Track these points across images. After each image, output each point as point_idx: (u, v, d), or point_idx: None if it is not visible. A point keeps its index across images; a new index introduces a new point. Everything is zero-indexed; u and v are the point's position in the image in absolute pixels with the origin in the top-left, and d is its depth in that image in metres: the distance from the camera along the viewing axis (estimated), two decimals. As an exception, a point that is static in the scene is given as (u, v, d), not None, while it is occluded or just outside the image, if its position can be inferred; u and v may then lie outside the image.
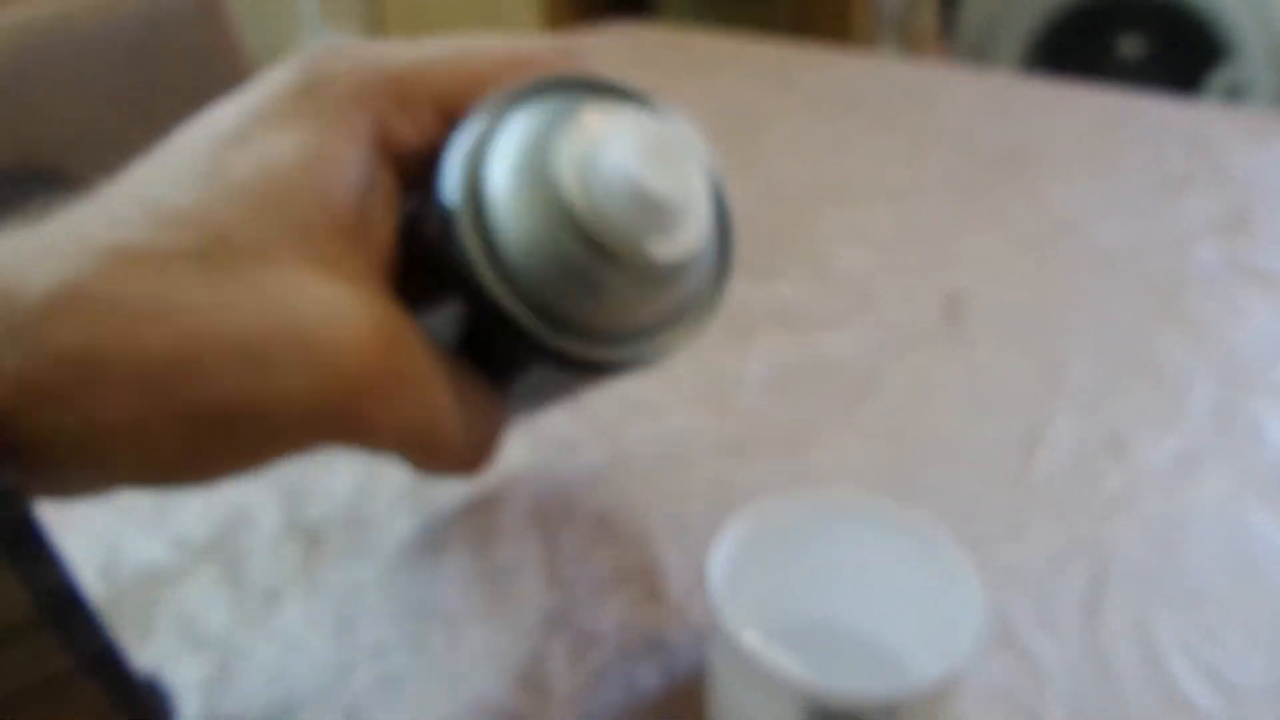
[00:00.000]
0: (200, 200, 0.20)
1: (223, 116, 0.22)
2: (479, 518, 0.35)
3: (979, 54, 1.47)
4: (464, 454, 0.24)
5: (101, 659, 0.20)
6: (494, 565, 0.33)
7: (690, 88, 0.71)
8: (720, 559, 0.27)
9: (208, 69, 0.72)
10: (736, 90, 0.71)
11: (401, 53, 0.24)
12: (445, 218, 0.22)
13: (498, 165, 0.22)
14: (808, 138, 0.63)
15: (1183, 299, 0.47)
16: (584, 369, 0.23)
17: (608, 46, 0.80)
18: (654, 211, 0.21)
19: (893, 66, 0.77)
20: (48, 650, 0.19)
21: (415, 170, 0.23)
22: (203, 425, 0.20)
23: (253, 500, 0.35)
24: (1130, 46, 1.39)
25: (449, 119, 0.23)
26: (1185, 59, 1.33)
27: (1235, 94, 1.28)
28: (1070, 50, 1.41)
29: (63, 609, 0.19)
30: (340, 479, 0.36)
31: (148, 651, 0.30)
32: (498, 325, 0.22)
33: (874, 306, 0.47)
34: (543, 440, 0.38)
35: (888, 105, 0.68)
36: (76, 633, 0.19)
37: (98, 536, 0.34)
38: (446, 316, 0.24)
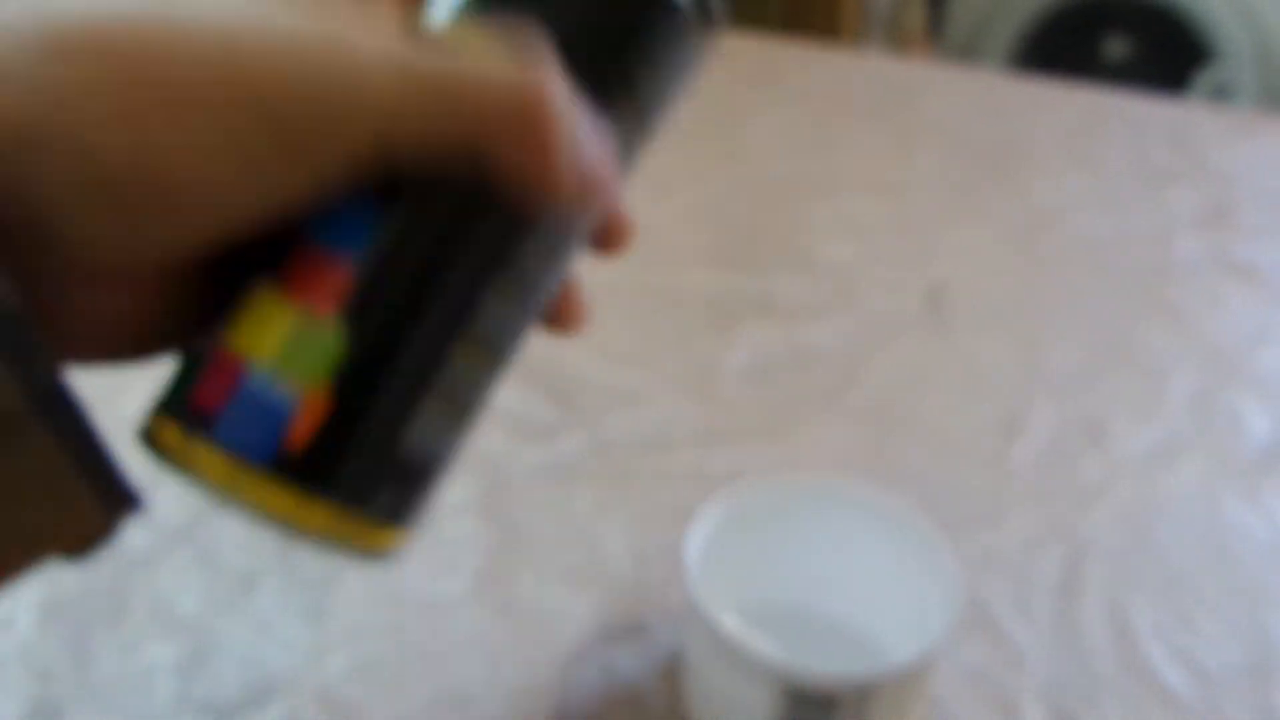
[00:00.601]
0: None
1: None
2: (457, 506, 0.35)
3: (967, 53, 1.48)
4: (577, 163, 0.21)
5: (55, 398, 0.19)
6: (471, 553, 0.33)
7: (677, 82, 0.71)
8: (697, 542, 0.27)
9: None
10: (724, 85, 0.71)
11: None
12: None
13: None
14: (795, 132, 0.64)
15: (1164, 290, 0.48)
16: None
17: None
18: None
19: (880, 63, 0.77)
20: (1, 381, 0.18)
21: None
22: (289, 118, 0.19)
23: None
24: (1116, 47, 1.40)
25: None
26: (1171, 60, 1.34)
27: (1221, 94, 1.29)
28: (1057, 51, 1.42)
29: (16, 346, 0.18)
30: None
31: (123, 634, 0.30)
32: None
33: (857, 297, 0.47)
34: (525, 427, 0.38)
35: (875, 101, 0.68)
36: (28, 368, 0.18)
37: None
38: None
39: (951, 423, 0.39)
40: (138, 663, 0.29)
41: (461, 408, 0.22)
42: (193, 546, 0.33)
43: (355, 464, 0.21)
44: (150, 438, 0.21)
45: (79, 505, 0.20)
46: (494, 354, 0.22)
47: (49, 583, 0.31)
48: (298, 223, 0.21)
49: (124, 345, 0.21)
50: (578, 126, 0.21)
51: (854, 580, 0.29)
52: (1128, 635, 0.30)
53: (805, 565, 0.29)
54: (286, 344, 0.21)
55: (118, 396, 0.38)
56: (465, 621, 0.30)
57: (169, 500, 0.35)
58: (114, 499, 0.21)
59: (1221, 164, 0.60)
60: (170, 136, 0.18)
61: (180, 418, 0.21)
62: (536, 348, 0.43)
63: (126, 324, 0.21)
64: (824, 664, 0.24)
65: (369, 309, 0.21)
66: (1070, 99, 0.69)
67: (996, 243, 0.51)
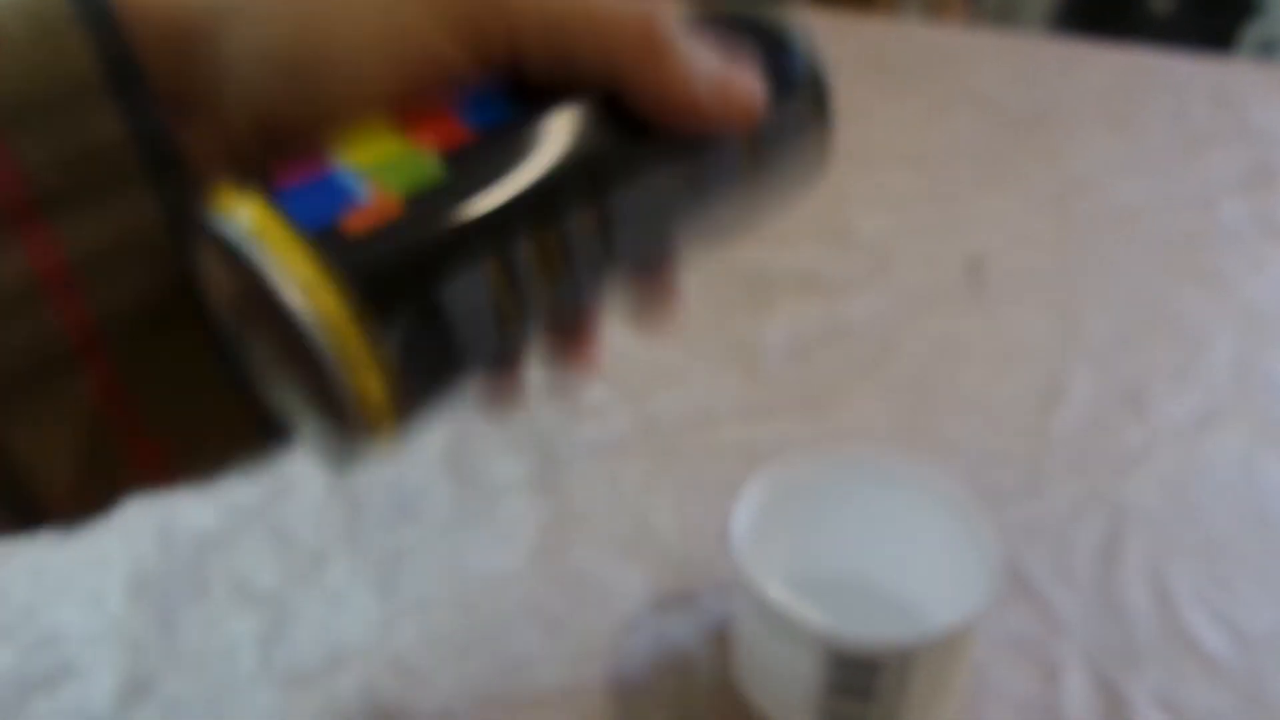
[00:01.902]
0: None
1: None
2: (514, 482, 0.36)
3: (1004, 15, 1.45)
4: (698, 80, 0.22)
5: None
6: (527, 527, 0.34)
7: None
8: (744, 514, 0.28)
9: None
10: (757, 57, 0.71)
11: None
12: None
13: None
14: (829, 103, 0.64)
15: (1203, 255, 0.48)
16: None
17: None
18: None
19: (916, 29, 0.77)
20: (166, 265, 0.20)
21: None
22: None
23: (296, 469, 0.37)
24: (1160, 3, 1.36)
25: None
26: (1216, 14, 1.30)
27: (1268, 49, 1.26)
28: (1098, 8, 1.39)
29: (186, 228, 0.20)
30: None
31: (204, 611, 0.32)
32: None
33: (894, 270, 0.47)
34: (574, 407, 0.39)
35: (910, 68, 0.68)
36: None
37: (152, 507, 0.35)
38: None
39: (991, 393, 0.40)
40: (221, 636, 0.31)
41: (511, 300, 0.21)
42: (265, 527, 0.35)
43: (391, 269, 0.20)
44: (213, 200, 0.21)
45: (225, 410, 0.22)
46: (564, 265, 0.22)
47: (134, 562, 0.33)
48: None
49: None
50: (697, 50, 0.22)
51: (897, 551, 0.30)
52: (1168, 601, 0.31)
53: (848, 537, 0.30)
54: (383, 159, 0.21)
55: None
56: (523, 593, 0.32)
57: (241, 485, 0.36)
58: (265, 423, 0.22)
59: (1265, 123, 0.59)
60: (334, 10, 0.21)
61: (252, 183, 0.21)
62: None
63: None
64: (867, 631, 0.25)
65: (471, 163, 0.21)
66: (1109, 59, 0.68)
67: (1034, 211, 0.52)
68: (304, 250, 0.19)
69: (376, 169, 0.21)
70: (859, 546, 0.31)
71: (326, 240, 0.20)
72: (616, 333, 0.43)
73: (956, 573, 0.28)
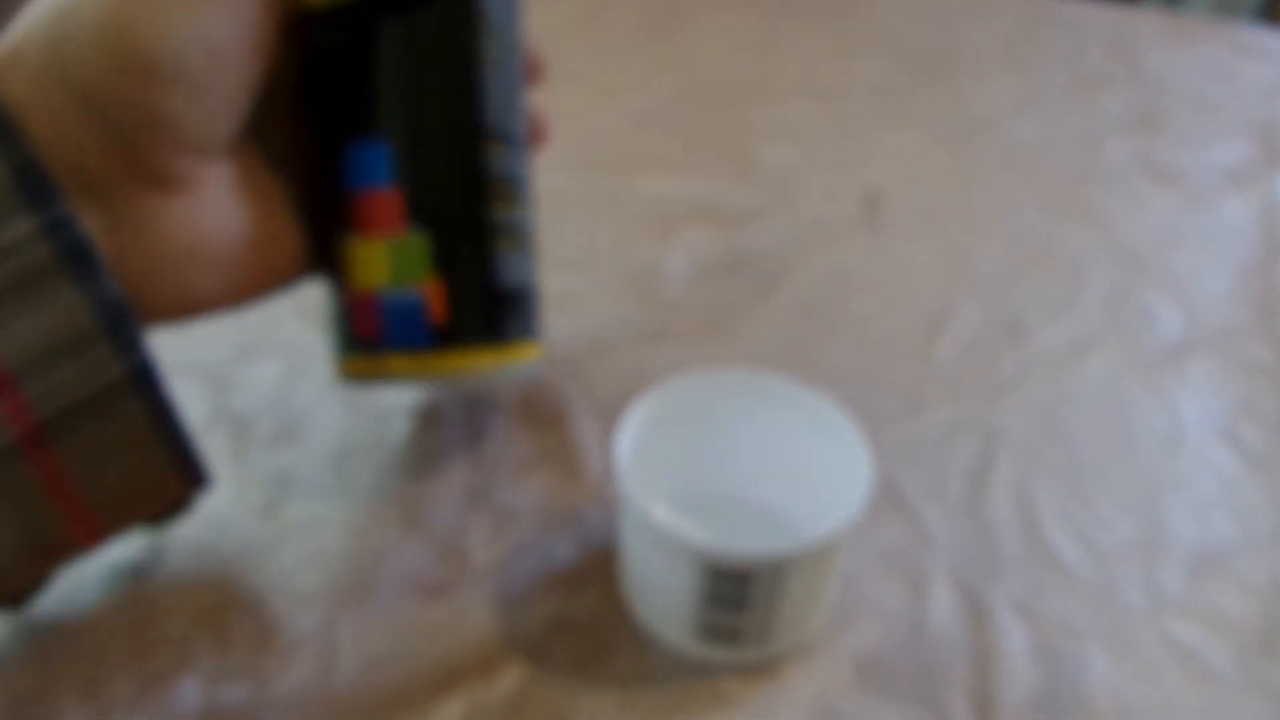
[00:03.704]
0: None
1: None
2: (404, 408, 0.36)
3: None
4: None
5: (146, 373, 0.23)
6: (418, 449, 0.34)
7: (623, -17, 0.70)
8: (628, 434, 0.28)
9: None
10: (670, -14, 0.70)
11: None
12: None
13: None
14: (737, 35, 0.63)
15: (1086, 193, 0.49)
16: None
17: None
18: None
19: (829, -36, 0.77)
20: (103, 360, 0.22)
21: None
22: None
23: (179, 389, 0.36)
24: (1073, -53, 1.38)
25: None
26: (1125, -39, 1.33)
27: (1175, 1, 1.29)
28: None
29: (117, 321, 0.22)
30: (267, 370, 0.37)
31: (79, 533, 0.31)
32: None
33: (793, 201, 0.48)
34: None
35: (817, 4, 0.68)
36: (127, 345, 0.22)
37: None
38: None
39: (879, 322, 0.41)
40: (97, 558, 0.30)
41: (522, 237, 0.30)
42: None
43: (481, 312, 0.29)
44: (345, 374, 0.29)
45: (162, 476, 0.24)
46: (516, 155, 0.29)
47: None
48: (339, 184, 0.28)
49: (208, 280, 0.25)
50: None
51: (777, 469, 0.31)
52: (1031, 517, 0.33)
53: (731, 455, 0.31)
54: (391, 265, 0.28)
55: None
56: (410, 515, 0.32)
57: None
58: (191, 473, 0.25)
59: (1157, 69, 0.61)
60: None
61: (355, 349, 0.29)
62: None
63: (205, 246, 0.24)
64: (741, 543, 0.26)
65: (420, 210, 0.28)
66: (1011, 4, 0.69)
67: (931, 148, 0.53)
68: (445, 358, 0.28)
69: (397, 275, 0.28)
70: (741, 465, 0.31)
71: (443, 341, 0.28)
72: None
73: (833, 489, 0.29)
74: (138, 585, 0.29)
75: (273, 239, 0.26)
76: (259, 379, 0.37)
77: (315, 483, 0.33)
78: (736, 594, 0.26)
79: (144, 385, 0.22)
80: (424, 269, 0.28)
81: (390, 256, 0.27)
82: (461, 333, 0.28)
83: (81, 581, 0.29)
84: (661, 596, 0.28)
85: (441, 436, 0.35)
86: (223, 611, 0.29)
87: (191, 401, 0.36)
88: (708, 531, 0.30)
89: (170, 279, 0.24)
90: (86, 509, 0.23)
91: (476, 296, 0.28)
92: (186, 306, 0.24)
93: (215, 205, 0.24)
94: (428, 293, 0.28)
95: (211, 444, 0.34)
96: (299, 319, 0.40)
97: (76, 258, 0.21)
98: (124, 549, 0.30)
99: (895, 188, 0.49)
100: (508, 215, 0.29)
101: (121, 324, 0.22)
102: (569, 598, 0.30)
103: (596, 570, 0.30)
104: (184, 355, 0.38)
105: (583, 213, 0.46)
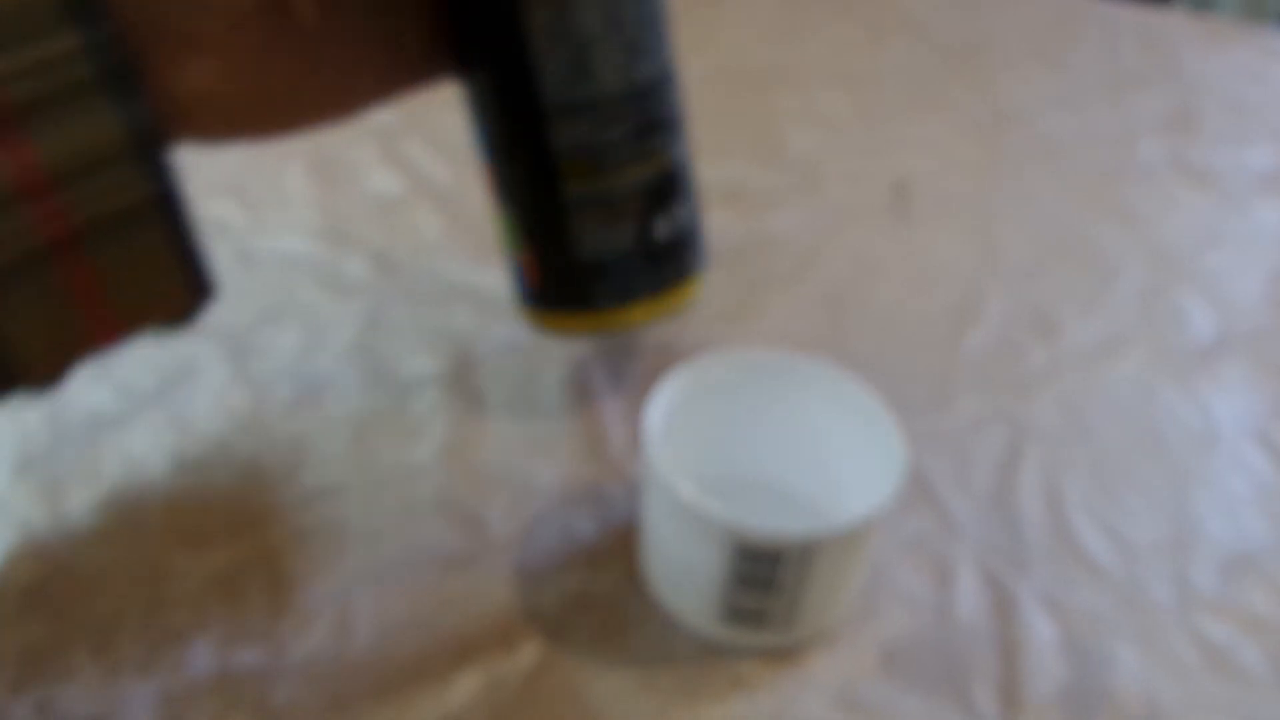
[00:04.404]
0: None
1: None
2: (425, 378, 0.35)
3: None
4: None
5: (171, 198, 0.24)
6: (441, 424, 0.34)
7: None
8: (656, 412, 0.28)
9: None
10: (699, -29, 0.69)
11: None
12: None
13: None
14: (768, 20, 0.63)
15: (1120, 191, 0.49)
16: None
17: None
18: None
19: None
20: (133, 179, 0.23)
21: None
22: None
23: (198, 353, 0.36)
24: (1100, -50, 1.37)
25: None
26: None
27: (1204, 3, 1.28)
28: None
29: (148, 144, 0.23)
30: (287, 335, 0.37)
31: (96, 491, 0.30)
32: None
33: (821, 187, 0.47)
34: (489, 306, 0.39)
35: (850, -8, 0.67)
36: (155, 169, 0.24)
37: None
38: None
39: (907, 310, 0.40)
40: (115, 517, 0.30)
41: (607, 205, 0.30)
42: (162, 411, 0.33)
43: (565, 283, 0.31)
44: (534, 322, 0.33)
45: (175, 288, 0.26)
46: (602, 123, 0.29)
47: (22, 440, 0.32)
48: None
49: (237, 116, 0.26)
50: None
51: (807, 453, 0.30)
52: (1059, 510, 0.32)
53: (760, 437, 0.31)
54: (500, 234, 0.32)
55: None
56: (431, 486, 0.32)
57: (138, 366, 0.35)
58: (202, 286, 0.27)
59: (1192, 71, 0.60)
60: None
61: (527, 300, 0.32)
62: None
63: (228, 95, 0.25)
64: (771, 523, 0.25)
65: (501, 188, 0.30)
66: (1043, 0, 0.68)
67: (961, 138, 0.52)
68: (553, 316, 0.32)
69: (506, 245, 0.32)
70: (770, 447, 0.31)
71: (536, 299, 0.32)
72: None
73: (863, 475, 0.28)
74: (151, 543, 0.29)
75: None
76: (279, 344, 0.36)
77: (333, 450, 0.32)
78: (764, 576, 0.26)
79: (168, 208, 0.24)
80: (515, 240, 0.31)
81: (498, 226, 0.32)
82: (550, 299, 0.31)
83: (96, 538, 0.29)
84: (686, 576, 0.27)
85: (465, 407, 0.34)
86: (238, 575, 0.28)
87: (210, 364, 0.35)
88: (735, 512, 0.30)
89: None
90: (106, 311, 0.25)
91: (557, 269, 0.30)
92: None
93: None
94: (523, 261, 0.31)
95: (230, 408, 0.34)
96: (319, 286, 0.39)
97: (117, 77, 0.22)
98: (140, 503, 0.30)
99: (924, 177, 0.48)
100: (585, 190, 0.29)
101: (152, 147, 0.23)
102: (589, 574, 0.29)
103: (617, 547, 0.30)
104: (204, 317, 0.37)
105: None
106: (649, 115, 0.29)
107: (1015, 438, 0.35)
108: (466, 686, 0.26)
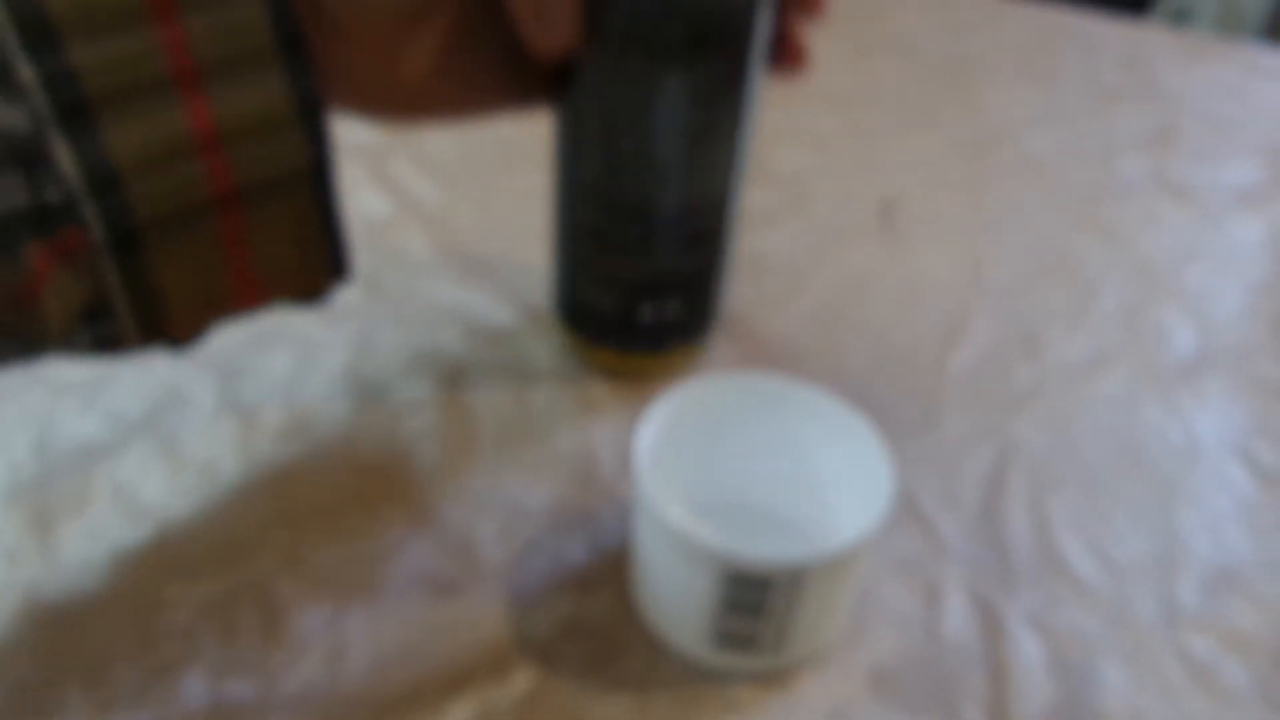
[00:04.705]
0: None
1: None
2: (417, 400, 0.36)
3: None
4: None
5: (325, 167, 0.26)
6: (433, 447, 0.34)
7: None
8: (647, 434, 0.28)
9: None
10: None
11: None
12: None
13: None
14: (754, 39, 0.63)
15: (1102, 207, 0.49)
16: None
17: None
18: None
19: (843, -29, 0.77)
20: (296, 144, 0.25)
21: None
22: None
23: (187, 379, 0.36)
24: (1082, -37, 1.38)
25: None
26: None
27: (1181, 17, 1.29)
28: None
29: (312, 113, 0.25)
30: (277, 360, 0.37)
31: (85, 523, 0.30)
32: None
33: (810, 206, 0.47)
34: (479, 327, 0.39)
35: (837, 11, 0.68)
36: (316, 137, 0.25)
37: (31, 410, 0.34)
38: None
39: (895, 330, 0.40)
40: (103, 547, 0.30)
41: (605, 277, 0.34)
42: (153, 439, 0.33)
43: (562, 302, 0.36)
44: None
45: (315, 262, 0.27)
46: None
47: (9, 470, 0.32)
48: None
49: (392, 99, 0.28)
50: None
51: (796, 475, 0.31)
52: (1046, 529, 0.33)
53: (750, 460, 0.31)
54: None
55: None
56: (422, 510, 0.32)
57: (126, 393, 0.35)
58: (338, 265, 0.28)
59: (1171, 86, 0.61)
60: None
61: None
62: (499, 258, 0.43)
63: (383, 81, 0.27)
64: (761, 549, 0.26)
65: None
66: (1029, 15, 0.69)
67: (947, 157, 0.52)
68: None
69: None
70: (760, 470, 0.31)
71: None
72: (532, 260, 0.43)
73: (852, 498, 0.29)
74: (142, 573, 0.29)
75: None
76: (269, 368, 0.36)
77: (323, 476, 0.32)
78: (754, 601, 0.26)
79: (321, 177, 0.26)
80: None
81: None
82: (561, 314, 0.37)
83: (86, 569, 0.29)
84: (676, 601, 0.27)
85: (455, 430, 0.34)
86: (229, 604, 0.28)
87: (200, 390, 0.35)
88: (725, 536, 0.30)
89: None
90: (253, 275, 0.26)
91: (560, 289, 0.36)
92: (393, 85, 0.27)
93: None
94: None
95: (219, 433, 0.34)
96: (309, 311, 0.39)
97: (292, 46, 0.24)
98: (131, 532, 0.30)
99: (911, 195, 0.49)
100: (587, 259, 0.34)
101: (315, 116, 0.25)
102: (581, 599, 0.29)
103: (609, 572, 0.30)
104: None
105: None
106: (651, 226, 0.32)
107: (1002, 456, 0.35)
108: (459, 716, 0.26)
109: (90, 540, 0.30)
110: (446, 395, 0.36)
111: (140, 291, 0.24)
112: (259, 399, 0.35)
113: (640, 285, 0.33)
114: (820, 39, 0.64)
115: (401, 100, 0.28)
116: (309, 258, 0.27)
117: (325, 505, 0.31)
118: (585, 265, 0.34)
